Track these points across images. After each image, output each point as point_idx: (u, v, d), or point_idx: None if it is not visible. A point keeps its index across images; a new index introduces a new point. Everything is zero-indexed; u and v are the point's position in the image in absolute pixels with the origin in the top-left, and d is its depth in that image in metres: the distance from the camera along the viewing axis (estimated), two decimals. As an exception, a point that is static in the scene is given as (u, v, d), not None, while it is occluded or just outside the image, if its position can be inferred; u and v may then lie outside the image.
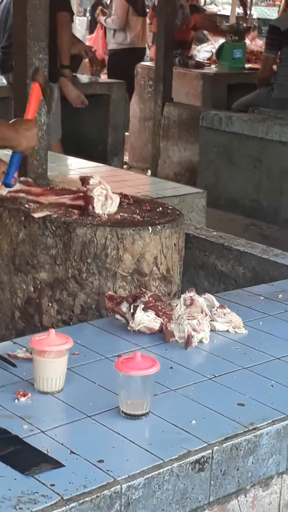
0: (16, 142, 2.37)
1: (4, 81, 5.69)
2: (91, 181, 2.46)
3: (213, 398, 1.70)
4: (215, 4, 16.01)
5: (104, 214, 2.44)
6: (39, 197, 2.53)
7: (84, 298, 2.36)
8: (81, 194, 2.48)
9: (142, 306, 2.00)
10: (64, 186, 2.69)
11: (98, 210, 2.43)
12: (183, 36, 7.06)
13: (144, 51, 7.83)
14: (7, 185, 2.43)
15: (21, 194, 2.52)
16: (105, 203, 2.46)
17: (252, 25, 10.87)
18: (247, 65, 7.41)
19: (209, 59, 8.12)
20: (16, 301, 2.47)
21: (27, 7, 3.09)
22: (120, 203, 2.62)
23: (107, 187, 2.48)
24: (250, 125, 5.21)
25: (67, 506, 1.32)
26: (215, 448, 1.52)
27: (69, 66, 5.20)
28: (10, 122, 2.46)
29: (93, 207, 2.43)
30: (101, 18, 8.53)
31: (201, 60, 7.59)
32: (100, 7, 9.33)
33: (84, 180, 2.49)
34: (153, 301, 2.02)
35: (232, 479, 1.57)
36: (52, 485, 1.36)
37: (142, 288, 2.27)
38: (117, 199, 2.50)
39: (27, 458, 1.43)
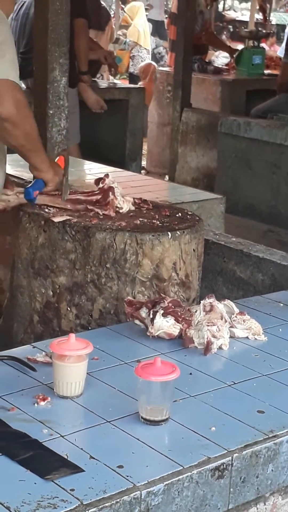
0: (44, 174, 2.46)
1: (24, 86, 5.72)
2: (107, 180, 2.52)
3: (232, 405, 1.70)
4: (234, 10, 16.02)
5: (123, 209, 2.50)
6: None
7: (102, 303, 2.36)
8: (97, 191, 2.55)
9: (162, 311, 1.99)
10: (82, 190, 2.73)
11: (119, 199, 2.49)
12: (199, 40, 7.05)
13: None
14: (30, 200, 2.49)
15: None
16: (122, 199, 2.52)
17: (271, 31, 10.86)
18: (266, 71, 7.40)
19: (227, 65, 8.11)
20: (35, 305, 2.47)
21: (48, 12, 3.10)
22: (139, 208, 2.63)
23: (120, 188, 2.55)
24: (268, 131, 5.19)
25: (87, 511, 1.32)
26: (235, 455, 1.52)
27: (87, 72, 5.22)
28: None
29: (114, 195, 2.49)
30: None
31: (220, 66, 7.59)
32: None
33: (100, 179, 2.56)
34: (173, 306, 2.02)
35: (252, 486, 1.56)
36: (72, 490, 1.36)
37: (161, 294, 2.27)
38: (130, 199, 2.56)
39: (46, 463, 1.43)
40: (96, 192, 2.58)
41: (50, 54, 3.14)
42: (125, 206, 2.55)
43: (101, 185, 2.57)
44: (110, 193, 2.52)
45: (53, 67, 3.16)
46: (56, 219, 2.40)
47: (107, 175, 2.60)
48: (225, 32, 13.08)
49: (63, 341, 1.70)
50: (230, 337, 2.01)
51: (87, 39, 5.17)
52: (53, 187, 2.52)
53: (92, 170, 4.22)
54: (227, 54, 7.81)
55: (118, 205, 2.53)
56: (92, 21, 6.66)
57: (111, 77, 7.41)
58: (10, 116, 2.19)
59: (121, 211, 2.53)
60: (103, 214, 2.48)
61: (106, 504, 1.34)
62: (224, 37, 11.94)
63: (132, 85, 7.17)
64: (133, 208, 2.59)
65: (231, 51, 7.57)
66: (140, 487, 1.38)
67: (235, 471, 1.52)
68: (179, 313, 2.00)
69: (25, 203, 2.50)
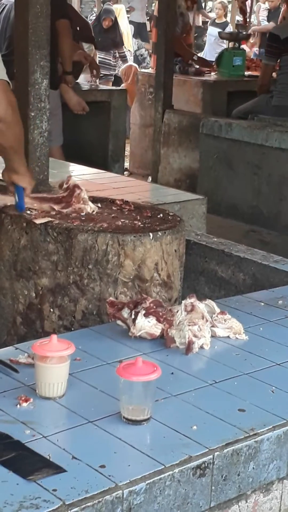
0: (24, 172, 2.47)
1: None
2: (71, 180, 2.59)
3: (213, 403, 1.71)
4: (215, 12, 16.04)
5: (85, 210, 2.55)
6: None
7: (85, 304, 2.37)
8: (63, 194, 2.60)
9: (143, 312, 2.01)
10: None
11: (83, 195, 2.52)
12: (183, 41, 7.07)
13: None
14: (20, 209, 2.51)
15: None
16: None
17: (252, 33, 10.92)
18: (247, 73, 7.43)
19: (208, 66, 8.14)
20: (18, 306, 2.47)
21: (28, 15, 3.11)
22: (121, 210, 2.64)
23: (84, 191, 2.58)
24: (249, 132, 5.22)
25: (69, 511, 1.32)
26: (216, 453, 1.53)
27: (72, 72, 5.23)
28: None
29: (80, 189, 2.55)
30: None
31: (200, 68, 7.62)
32: None
33: (63, 181, 2.60)
34: (154, 307, 2.03)
35: (233, 484, 1.57)
36: (54, 490, 1.36)
37: (143, 294, 2.28)
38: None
39: (29, 463, 1.44)
40: (61, 192, 2.61)
41: (31, 56, 3.14)
42: (88, 208, 2.57)
43: (65, 185, 2.60)
44: (75, 192, 2.55)
45: (34, 69, 3.16)
46: (38, 221, 2.41)
47: (69, 177, 2.64)
48: (205, 34, 13.12)
49: (45, 342, 1.70)
50: (212, 336, 2.03)
51: (71, 39, 5.18)
52: (30, 191, 2.53)
53: (75, 171, 4.22)
54: None
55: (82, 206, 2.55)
56: (83, 36, 6.73)
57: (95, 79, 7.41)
58: (5, 116, 2.20)
59: (84, 212, 2.54)
60: (66, 212, 2.50)
61: (88, 504, 1.35)
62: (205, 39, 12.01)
63: (114, 87, 7.17)
64: (96, 209, 2.59)
65: (191, 56, 7.51)
66: (122, 487, 1.39)
67: (217, 470, 1.53)
68: (161, 313, 2.01)
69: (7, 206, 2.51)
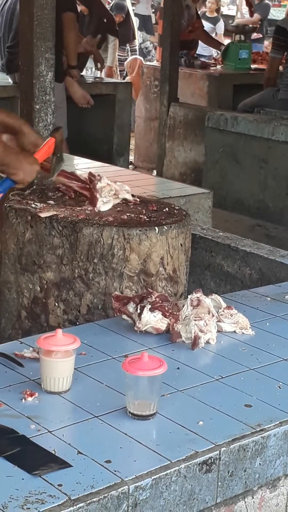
0: (14, 170, 2.34)
1: (10, 80, 5.69)
2: (98, 185, 2.49)
3: (220, 399, 1.70)
4: (221, 5, 15.99)
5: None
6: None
7: (90, 298, 2.36)
8: (88, 186, 2.52)
9: (149, 306, 1.99)
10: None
11: (101, 208, 2.48)
12: (187, 35, 7.05)
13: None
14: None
15: None
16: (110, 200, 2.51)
17: (258, 26, 10.88)
18: (253, 66, 7.41)
19: (214, 58, 8.11)
20: (23, 300, 2.46)
21: (33, 7, 3.09)
22: (126, 203, 2.63)
23: (115, 188, 2.51)
24: (255, 125, 5.20)
25: (75, 506, 1.32)
26: (223, 449, 1.52)
27: (77, 66, 5.21)
28: (18, 151, 2.46)
29: (95, 207, 2.48)
30: None
31: (205, 60, 7.59)
32: None
33: (91, 181, 2.52)
34: (160, 301, 2.02)
35: (240, 480, 1.57)
36: (60, 485, 1.36)
37: (148, 289, 2.27)
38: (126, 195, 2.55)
39: (34, 458, 1.43)
40: (88, 187, 2.57)
41: (36, 48, 3.13)
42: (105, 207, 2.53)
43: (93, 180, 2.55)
44: (93, 205, 2.50)
45: (39, 61, 3.15)
46: (43, 214, 2.39)
47: (98, 178, 2.54)
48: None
49: (50, 337, 1.69)
50: (218, 331, 2.02)
51: (76, 33, 5.17)
52: (23, 185, 2.45)
53: (80, 165, 4.21)
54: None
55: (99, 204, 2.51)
56: (110, 28, 6.74)
57: (99, 73, 7.41)
58: None
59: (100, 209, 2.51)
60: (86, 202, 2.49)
61: (94, 499, 1.34)
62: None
63: (119, 80, 7.16)
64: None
65: (219, 46, 7.57)
66: (128, 482, 1.39)
67: (223, 465, 1.52)
68: (167, 308, 2.00)
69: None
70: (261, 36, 10.99)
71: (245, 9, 12.60)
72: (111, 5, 10.14)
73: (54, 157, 2.48)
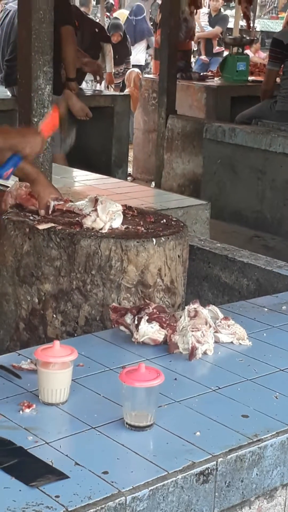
0: (20, 145, 2.40)
1: (9, 93, 5.72)
2: (86, 222, 2.44)
3: (217, 409, 1.71)
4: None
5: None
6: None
7: (88, 309, 2.37)
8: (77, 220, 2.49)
9: (146, 317, 2.00)
10: (69, 199, 2.68)
11: (113, 225, 2.46)
12: (183, 46, 7.09)
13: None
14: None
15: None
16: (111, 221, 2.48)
17: (255, 38, 10.92)
18: (250, 78, 7.44)
19: (212, 71, 8.16)
20: (21, 312, 2.47)
21: (31, 20, 3.11)
22: (124, 215, 2.63)
23: (111, 210, 2.46)
24: (253, 137, 5.23)
25: (72, 518, 1.32)
26: (220, 459, 1.52)
27: (75, 79, 5.24)
28: (19, 128, 2.51)
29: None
30: None
31: (204, 73, 7.64)
32: None
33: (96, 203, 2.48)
34: (157, 312, 2.03)
35: (237, 490, 1.57)
36: (57, 496, 1.36)
37: (146, 300, 2.28)
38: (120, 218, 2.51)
39: (31, 470, 1.43)
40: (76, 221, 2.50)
41: (34, 62, 3.15)
42: (115, 223, 2.50)
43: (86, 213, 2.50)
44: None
45: (37, 75, 3.17)
46: (41, 227, 2.40)
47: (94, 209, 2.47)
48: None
49: (47, 348, 1.70)
50: (215, 342, 2.02)
51: (75, 46, 5.20)
52: (32, 158, 2.45)
53: (78, 177, 4.23)
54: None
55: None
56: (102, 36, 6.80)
57: (98, 85, 7.45)
58: None
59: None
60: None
61: (91, 510, 1.34)
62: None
63: (117, 93, 7.19)
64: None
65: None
66: (125, 493, 1.39)
67: (220, 476, 1.53)
68: (164, 319, 2.01)
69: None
70: (222, 49, 10.87)
71: (202, 22, 12.36)
72: (107, 25, 10.18)
73: (62, 127, 2.49)
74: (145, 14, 11.42)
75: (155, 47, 7.80)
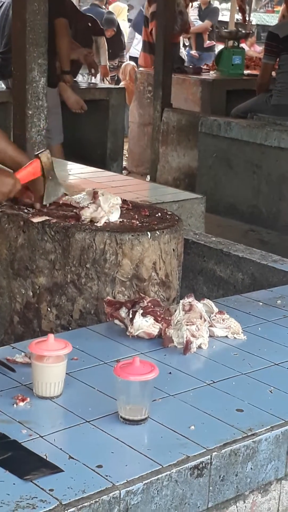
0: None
1: (3, 86, 5.70)
2: (84, 213, 2.43)
3: (211, 403, 1.70)
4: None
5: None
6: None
7: (83, 303, 2.36)
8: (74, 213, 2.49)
9: (141, 311, 2.00)
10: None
11: (111, 219, 2.45)
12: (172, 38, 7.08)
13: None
14: None
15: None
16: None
17: (251, 31, 10.89)
18: (246, 71, 7.43)
19: (207, 65, 8.14)
20: (15, 306, 2.46)
21: (26, 12, 3.10)
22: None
23: (112, 202, 2.46)
24: (249, 131, 5.22)
25: (66, 511, 1.32)
26: (214, 453, 1.52)
27: (70, 71, 5.22)
28: None
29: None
30: None
31: (201, 66, 7.62)
32: None
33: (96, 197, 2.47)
34: (152, 306, 2.03)
35: (231, 484, 1.57)
36: (51, 490, 1.36)
37: (141, 294, 2.27)
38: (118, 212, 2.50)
39: (25, 463, 1.43)
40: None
41: (29, 54, 3.14)
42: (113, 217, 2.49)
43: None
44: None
45: (32, 67, 3.16)
46: (35, 220, 2.39)
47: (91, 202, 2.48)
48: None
49: (41, 342, 1.70)
50: (210, 336, 2.02)
51: (69, 38, 5.18)
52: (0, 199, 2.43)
53: (74, 170, 4.21)
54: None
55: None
56: (96, 30, 6.77)
57: (93, 78, 7.43)
58: None
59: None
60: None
61: (85, 504, 1.34)
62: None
63: (112, 86, 7.17)
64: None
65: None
66: (119, 487, 1.39)
67: (214, 470, 1.53)
68: (159, 313, 2.01)
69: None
70: (213, 43, 10.79)
71: (192, 16, 12.22)
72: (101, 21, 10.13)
73: (45, 180, 2.47)
74: None
75: (144, 39, 7.72)
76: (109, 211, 2.43)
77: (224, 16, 13.50)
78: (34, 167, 2.47)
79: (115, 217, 2.45)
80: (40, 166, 2.46)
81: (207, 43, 10.81)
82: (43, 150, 2.60)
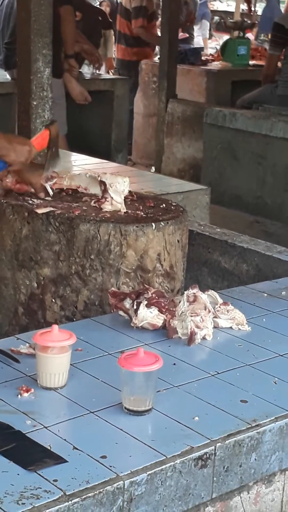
0: (5, 151, 2.35)
1: (8, 77, 5.69)
2: (105, 207, 2.45)
3: (216, 394, 1.70)
4: (220, 1, 15.97)
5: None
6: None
7: (87, 294, 2.36)
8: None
9: (145, 302, 2.00)
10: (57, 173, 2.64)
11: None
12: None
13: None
14: None
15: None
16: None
17: (256, 22, 10.84)
18: (251, 62, 7.40)
19: (212, 55, 8.10)
20: (20, 297, 2.46)
21: (31, 3, 3.09)
22: (124, 199, 2.62)
23: (122, 189, 2.47)
24: (254, 122, 5.20)
25: (70, 502, 1.32)
26: (218, 444, 1.52)
27: (73, 55, 5.20)
28: (8, 134, 2.46)
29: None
30: None
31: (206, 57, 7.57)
32: None
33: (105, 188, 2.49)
34: (156, 297, 2.02)
35: (235, 475, 1.57)
36: (55, 480, 1.36)
37: (145, 285, 2.27)
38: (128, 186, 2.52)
39: (30, 454, 1.43)
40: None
41: (33, 44, 3.13)
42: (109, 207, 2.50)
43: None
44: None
45: (36, 58, 3.15)
46: (40, 211, 2.39)
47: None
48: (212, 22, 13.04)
49: (46, 333, 1.70)
50: (214, 327, 2.02)
51: (74, 24, 5.16)
52: (16, 167, 2.42)
53: (78, 161, 4.21)
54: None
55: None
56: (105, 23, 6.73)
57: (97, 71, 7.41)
58: None
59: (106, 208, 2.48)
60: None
61: (89, 494, 1.34)
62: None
63: (117, 76, 7.14)
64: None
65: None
66: (123, 477, 1.39)
67: (218, 461, 1.53)
68: (163, 304, 2.00)
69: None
70: (187, 35, 10.70)
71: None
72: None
73: (49, 151, 2.47)
74: None
75: (119, 30, 7.58)
76: (123, 195, 2.44)
77: (229, 7, 13.44)
78: (43, 139, 2.49)
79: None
80: (48, 137, 2.48)
81: (180, 35, 10.71)
82: (52, 121, 2.61)
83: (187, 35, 9.57)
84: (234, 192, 5.31)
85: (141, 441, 1.50)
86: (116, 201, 2.44)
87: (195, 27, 10.54)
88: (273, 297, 2.32)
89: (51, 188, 2.52)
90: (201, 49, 8.60)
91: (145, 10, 7.19)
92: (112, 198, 2.44)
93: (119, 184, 2.45)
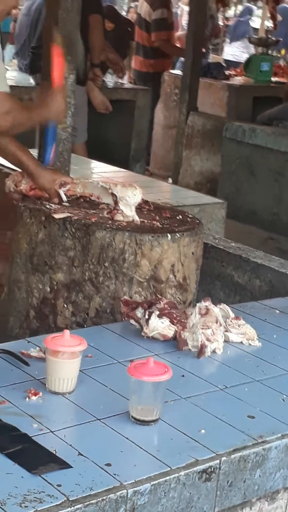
0: (48, 116, 2.44)
1: (32, 81, 5.73)
2: (118, 218, 2.47)
3: (223, 408, 1.70)
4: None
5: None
6: None
7: (99, 301, 2.37)
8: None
9: (157, 312, 2.00)
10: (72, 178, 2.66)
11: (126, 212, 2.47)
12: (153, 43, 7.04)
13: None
14: (45, 163, 2.48)
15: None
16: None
17: (281, 39, 10.83)
18: (274, 79, 7.41)
19: (235, 70, 8.11)
20: (32, 300, 2.47)
21: (59, 9, 3.11)
22: (140, 209, 2.63)
23: (133, 201, 2.48)
24: (273, 138, 5.20)
25: (73, 507, 1.32)
26: (223, 458, 1.52)
27: (99, 65, 5.23)
28: (38, 98, 2.54)
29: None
30: None
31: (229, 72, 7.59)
32: None
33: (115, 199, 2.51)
34: (168, 308, 2.02)
35: (238, 491, 1.56)
36: (59, 485, 1.36)
37: (157, 295, 2.27)
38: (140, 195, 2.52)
39: (35, 457, 1.43)
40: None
41: (59, 51, 3.13)
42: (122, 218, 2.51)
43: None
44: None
45: (61, 64, 3.15)
46: (57, 216, 2.40)
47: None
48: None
49: (57, 337, 1.70)
50: (225, 341, 2.02)
51: (102, 34, 5.19)
52: (62, 117, 2.53)
53: (96, 169, 4.22)
54: None
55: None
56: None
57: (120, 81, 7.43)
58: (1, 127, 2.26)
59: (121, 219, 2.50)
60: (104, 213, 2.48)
61: (92, 501, 1.34)
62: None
63: (139, 86, 7.15)
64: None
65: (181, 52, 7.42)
66: (126, 486, 1.39)
67: (223, 475, 1.52)
68: (175, 315, 2.00)
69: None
70: (204, 50, 10.64)
71: (185, 21, 12.08)
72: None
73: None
74: (249, 17, 11.48)
75: (138, 42, 7.56)
76: (133, 207, 2.45)
77: (254, 23, 13.45)
78: (59, 61, 2.51)
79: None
80: (61, 50, 2.51)
81: None
82: (82, 87, 2.67)
83: (204, 50, 9.56)
84: (250, 207, 5.31)
85: (147, 451, 1.50)
86: (126, 214, 2.45)
87: (236, 43, 10.70)
88: (285, 314, 2.31)
89: (65, 194, 2.53)
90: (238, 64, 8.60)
91: (166, 23, 7.20)
92: (125, 213, 2.45)
93: (129, 198, 2.45)
